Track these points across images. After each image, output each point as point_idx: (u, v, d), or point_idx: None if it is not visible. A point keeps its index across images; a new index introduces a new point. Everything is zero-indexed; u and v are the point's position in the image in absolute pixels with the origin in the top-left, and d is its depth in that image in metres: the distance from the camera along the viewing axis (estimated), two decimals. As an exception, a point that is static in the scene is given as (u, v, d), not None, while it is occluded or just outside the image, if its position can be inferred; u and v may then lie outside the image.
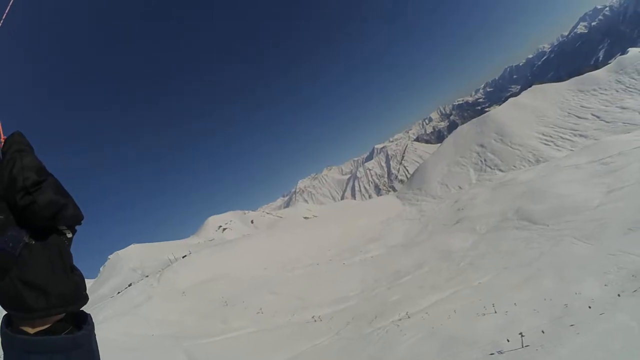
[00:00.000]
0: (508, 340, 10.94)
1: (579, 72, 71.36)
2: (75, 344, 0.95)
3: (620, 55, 64.80)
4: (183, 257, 41.40)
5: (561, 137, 47.46)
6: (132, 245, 60.61)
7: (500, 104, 71.42)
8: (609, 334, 9.37)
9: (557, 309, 12.76)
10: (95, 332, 1.09)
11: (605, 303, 11.72)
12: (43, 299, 0.91)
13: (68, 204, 0.98)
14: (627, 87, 50.62)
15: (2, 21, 1.29)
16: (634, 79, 51.17)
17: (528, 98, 61.25)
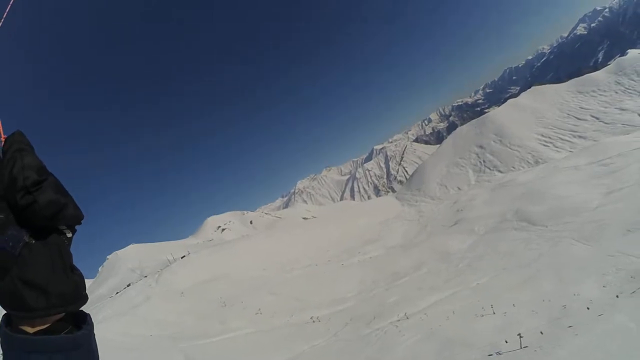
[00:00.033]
0: (506, 342, 10.94)
1: (579, 74, 71.51)
2: (74, 344, 0.95)
3: (620, 56, 64.92)
4: (182, 257, 41.38)
5: (560, 139, 47.53)
6: (131, 246, 60.62)
7: (499, 105, 71.54)
8: (607, 335, 9.37)
9: (556, 310, 12.76)
10: (94, 332, 1.09)
11: (604, 304, 11.72)
12: (43, 298, 0.91)
13: (68, 204, 0.98)
14: (626, 88, 50.72)
15: (2, 21, 1.29)
16: (633, 80, 51.28)
17: (527, 99, 61.35)
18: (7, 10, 1.34)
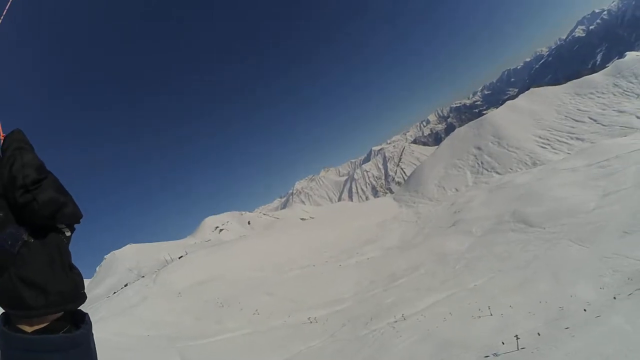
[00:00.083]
0: (503, 343, 10.95)
1: (577, 76, 71.68)
2: (73, 343, 0.95)
3: (618, 59, 65.21)
4: (179, 257, 41.29)
5: (558, 140, 47.67)
6: (128, 245, 60.44)
7: (497, 107, 71.70)
8: (604, 336, 9.39)
9: (553, 312, 12.79)
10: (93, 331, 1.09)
11: (601, 306, 11.75)
12: (42, 297, 0.90)
13: (68, 202, 0.98)
14: (624, 90, 50.92)
15: (2, 17, 1.28)
16: (631, 82, 51.48)
17: (525, 101, 61.52)
18: (6, 7, 1.33)
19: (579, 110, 52.09)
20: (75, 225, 1.07)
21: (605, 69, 62.03)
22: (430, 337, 14.10)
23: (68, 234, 1.03)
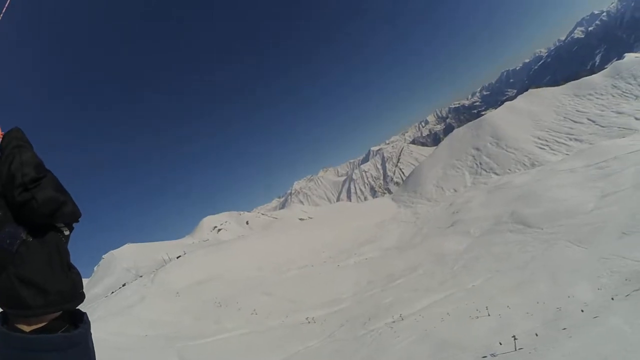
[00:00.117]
0: (501, 343, 10.96)
1: (576, 77, 71.88)
2: (71, 343, 0.94)
3: (617, 60, 65.37)
4: (177, 257, 41.26)
5: (557, 141, 47.75)
6: (126, 245, 60.38)
7: (496, 108, 71.79)
8: (602, 337, 9.40)
9: (550, 312, 12.80)
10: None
11: (599, 306, 11.77)
12: (41, 296, 0.90)
13: (66, 201, 0.98)
14: (623, 92, 51.04)
15: (1, 15, 1.28)
16: (629, 84, 51.60)
17: (524, 102, 61.62)
18: (6, 5, 1.33)
19: (578, 111, 52.20)
20: (74, 225, 1.07)
21: (604, 70, 62.18)
22: (428, 337, 14.10)
23: (67, 232, 1.03)
